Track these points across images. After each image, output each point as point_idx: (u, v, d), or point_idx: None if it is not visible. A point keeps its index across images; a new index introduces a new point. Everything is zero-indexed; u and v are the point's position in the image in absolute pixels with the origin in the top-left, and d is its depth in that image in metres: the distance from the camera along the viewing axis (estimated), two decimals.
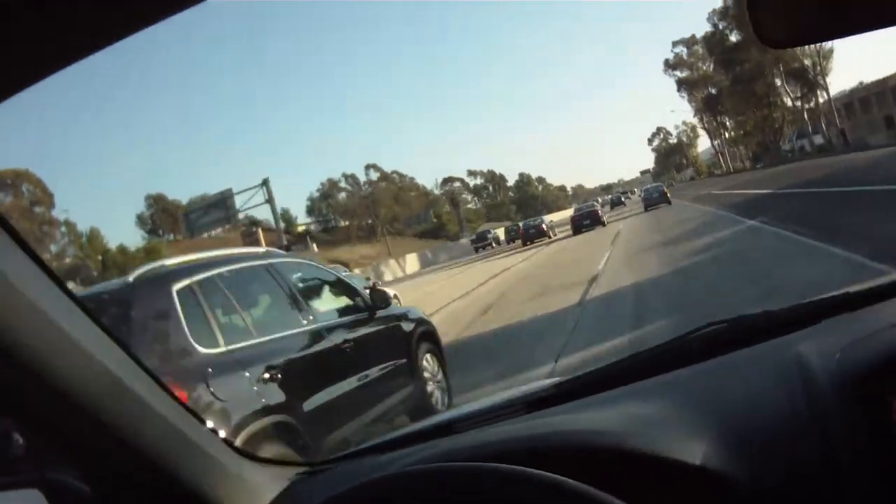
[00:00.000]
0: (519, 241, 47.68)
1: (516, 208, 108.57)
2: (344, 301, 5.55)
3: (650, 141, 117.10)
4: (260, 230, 37.01)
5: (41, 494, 1.09)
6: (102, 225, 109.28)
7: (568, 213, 71.32)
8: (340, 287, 5.74)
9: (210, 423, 3.45)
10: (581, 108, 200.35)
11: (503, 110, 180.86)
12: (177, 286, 3.99)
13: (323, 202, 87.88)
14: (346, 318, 5.31)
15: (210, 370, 3.75)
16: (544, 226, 45.49)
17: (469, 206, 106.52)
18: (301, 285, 5.14)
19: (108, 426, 0.92)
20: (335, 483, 1.11)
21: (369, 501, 0.89)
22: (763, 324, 1.31)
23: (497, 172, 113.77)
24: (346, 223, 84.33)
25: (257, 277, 4.76)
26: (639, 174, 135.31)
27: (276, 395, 4.03)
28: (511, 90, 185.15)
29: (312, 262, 5.88)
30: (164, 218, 73.63)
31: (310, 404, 4.30)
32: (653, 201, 43.56)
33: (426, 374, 6.03)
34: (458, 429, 1.34)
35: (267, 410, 3.92)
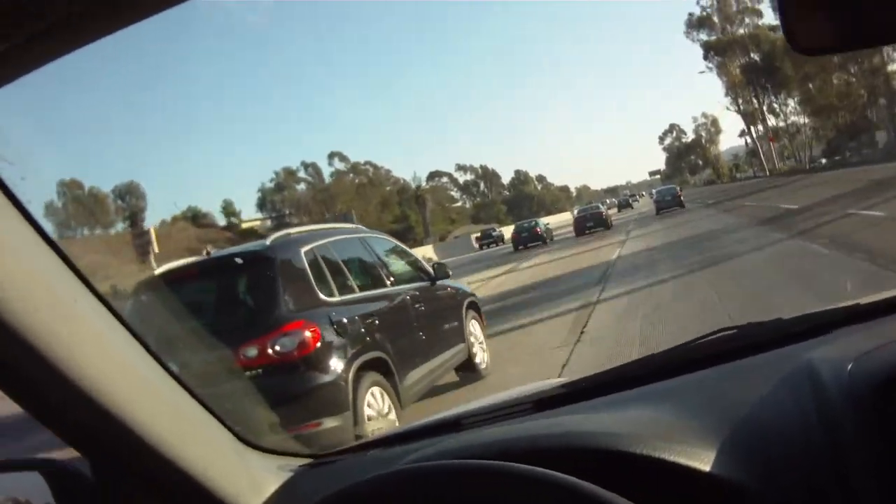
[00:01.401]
0: (502, 247, 43.07)
1: (507, 209, 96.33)
2: (414, 270, 6.80)
3: (662, 139, 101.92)
4: (153, 232, 31.30)
5: (41, 477, 1.07)
6: None
7: (566, 216, 64.69)
8: (411, 259, 6.99)
9: (333, 358, 4.67)
10: (588, 102, 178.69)
11: (501, 101, 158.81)
12: (304, 249, 5.20)
13: (277, 195, 75.98)
14: (416, 284, 6.56)
15: (332, 312, 4.97)
16: (539, 229, 38.85)
17: (456, 204, 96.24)
18: (384, 255, 6.36)
19: (111, 411, 0.91)
20: (339, 476, 1.11)
21: (373, 497, 0.88)
22: (773, 331, 1.31)
23: (490, 168, 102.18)
24: (299, 221, 68.70)
25: (355, 247, 6.00)
26: (647, 176, 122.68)
27: (375, 336, 5.26)
28: (510, 78, 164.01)
29: (391, 239, 7.11)
30: (77, 209, 62.02)
31: (396, 346, 5.51)
32: (665, 204, 40.53)
33: (472, 337, 7.26)
34: (465, 426, 1.34)
35: (370, 346, 5.14)
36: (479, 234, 59.09)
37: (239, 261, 5.26)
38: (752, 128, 66.21)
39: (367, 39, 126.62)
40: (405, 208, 78.78)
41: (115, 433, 0.93)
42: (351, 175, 79.64)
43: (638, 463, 0.96)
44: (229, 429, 1.18)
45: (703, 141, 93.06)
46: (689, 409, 1.08)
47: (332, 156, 78.60)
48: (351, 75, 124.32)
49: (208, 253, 5.51)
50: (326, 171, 78.56)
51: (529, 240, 37.85)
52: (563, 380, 1.47)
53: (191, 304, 5.22)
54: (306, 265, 5.10)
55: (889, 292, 1.32)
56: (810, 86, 52.59)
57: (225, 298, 5.21)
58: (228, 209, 70.17)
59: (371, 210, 71.16)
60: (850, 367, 0.97)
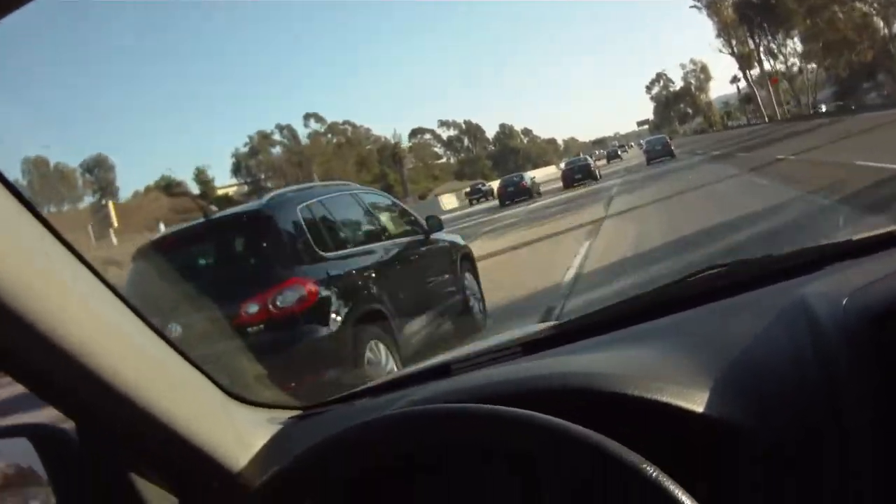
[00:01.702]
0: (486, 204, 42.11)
1: (493, 164, 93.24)
2: (408, 224, 6.91)
3: (649, 89, 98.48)
4: (111, 206, 29.89)
5: (29, 443, 1.05)
6: None
7: (553, 170, 63.46)
8: (404, 213, 7.10)
9: (333, 312, 4.80)
10: (573, 51, 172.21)
11: (484, 53, 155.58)
12: (299, 206, 5.29)
13: (252, 159, 72.72)
14: (410, 238, 6.67)
15: (329, 267, 5.08)
16: (525, 182, 37.59)
17: (441, 160, 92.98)
18: (378, 210, 6.46)
19: (95, 371, 0.89)
20: (329, 426, 1.10)
21: (361, 443, 0.88)
22: (765, 268, 1.30)
23: (474, 123, 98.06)
24: (275, 185, 63.53)
25: (348, 203, 6.09)
26: (636, 126, 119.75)
27: (372, 290, 5.39)
28: (492, 30, 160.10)
29: (383, 194, 7.20)
30: (44, 186, 57.99)
31: (393, 299, 5.64)
32: (655, 154, 39.33)
33: (467, 289, 7.39)
34: (454, 371, 1.33)
35: (368, 299, 5.27)
36: (468, 190, 57.94)
37: (237, 221, 5.36)
38: (747, 72, 60.85)
39: None
40: (384, 167, 76.50)
41: (100, 393, 0.91)
42: (330, 135, 77.06)
43: (629, 404, 0.94)
44: (216, 384, 1.15)
45: (693, 89, 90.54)
46: (681, 349, 1.07)
47: (307, 117, 75.58)
48: (327, 31, 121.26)
49: (207, 215, 5.59)
50: (303, 133, 75.68)
51: (516, 194, 36.61)
52: (552, 322, 1.46)
53: (192, 266, 5.33)
54: (302, 222, 5.20)
55: (880, 229, 1.32)
56: (818, 20, 46.56)
57: (224, 258, 5.32)
58: (201, 176, 66.56)
59: (349, 170, 68.49)
60: (845, 301, 0.95)
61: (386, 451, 0.88)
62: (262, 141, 72.53)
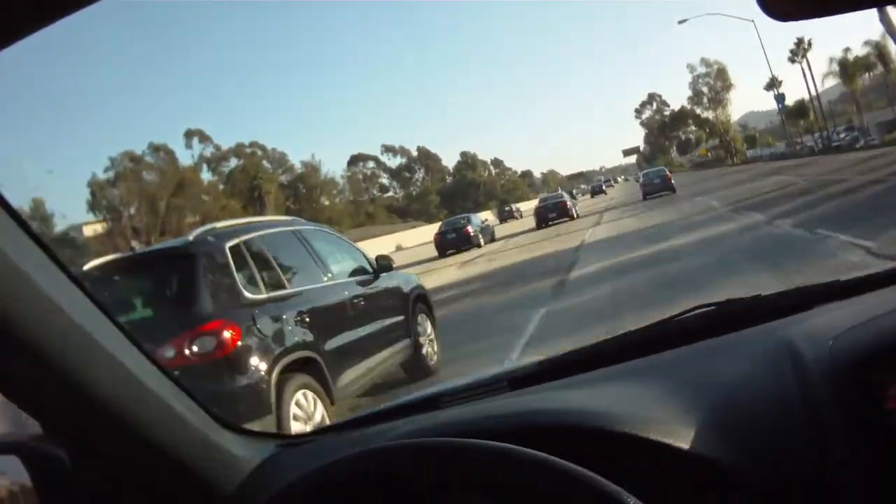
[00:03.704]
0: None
1: (441, 200, 76.52)
2: (355, 264, 6.56)
3: (639, 112, 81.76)
4: None
5: (20, 461, 1.06)
6: None
7: (526, 205, 57.16)
8: (352, 252, 6.74)
9: (255, 359, 4.44)
10: (552, 74, 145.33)
11: (448, 75, 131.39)
12: (229, 244, 4.95)
13: (112, 189, 51.36)
14: (357, 278, 6.32)
15: (256, 311, 4.73)
16: (470, 229, 30.71)
17: (388, 194, 76.67)
18: (322, 249, 6.11)
19: (87, 393, 0.91)
20: (316, 456, 1.11)
21: (350, 475, 0.88)
22: (752, 308, 1.30)
23: (427, 150, 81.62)
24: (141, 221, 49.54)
25: (288, 240, 5.74)
26: (622, 157, 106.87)
27: (305, 335, 5.02)
28: (459, 47, 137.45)
29: (330, 230, 6.86)
30: None
31: (330, 345, 5.29)
32: (654, 188, 34.77)
33: (419, 331, 7.04)
34: (443, 404, 1.33)
35: (298, 346, 4.91)
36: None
37: (160, 258, 5.01)
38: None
39: None
40: (292, 202, 61.65)
41: (90, 416, 0.93)
42: (235, 160, 62.02)
43: (616, 441, 0.94)
44: (206, 410, 1.16)
45: (705, 102, 66.31)
46: (668, 387, 1.07)
47: (189, 135, 58.68)
48: (227, 27, 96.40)
49: (132, 249, 5.26)
50: (189, 155, 59.35)
51: (457, 242, 30.03)
52: (539, 358, 1.43)
53: (112, 303, 4.96)
54: (230, 261, 4.85)
55: (867, 271, 1.33)
56: None
57: (145, 297, 4.95)
58: (38, 210, 44.90)
59: (232, 206, 52.72)
60: (830, 343, 0.96)
61: (382, 481, 0.87)
62: (126, 166, 52.49)
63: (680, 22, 45.04)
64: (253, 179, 58.78)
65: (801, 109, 47.48)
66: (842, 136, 42.54)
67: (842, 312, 1.14)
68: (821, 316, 1.16)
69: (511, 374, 1.37)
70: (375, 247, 31.66)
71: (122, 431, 0.96)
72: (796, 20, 0.73)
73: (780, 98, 45.53)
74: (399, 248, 43.34)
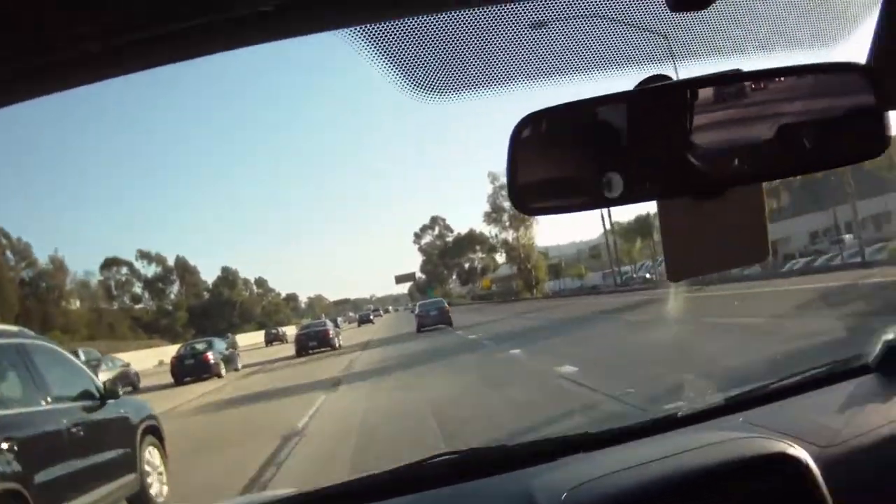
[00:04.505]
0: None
1: (189, 318, 68.97)
2: (80, 387, 5.97)
3: (419, 237, 71.94)
4: None
5: None
6: None
7: (287, 330, 54.42)
8: (78, 374, 6.15)
9: None
10: (322, 195, 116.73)
11: (211, 181, 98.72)
12: None
13: None
14: (79, 404, 5.75)
15: None
16: (210, 356, 26.86)
17: (139, 305, 67.53)
18: (44, 368, 5.52)
19: None
20: None
21: None
22: (496, 458, 1.35)
23: (185, 260, 71.68)
24: None
25: (7, 355, 5.13)
26: (395, 285, 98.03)
27: (12, 465, 4.43)
28: (223, 160, 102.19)
29: (58, 348, 6.23)
30: None
31: (40, 478, 4.70)
32: (430, 320, 31.42)
33: (147, 465, 6.49)
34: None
35: (2, 477, 4.30)
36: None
37: None
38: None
39: None
40: (32, 300, 52.59)
41: None
42: None
43: None
44: None
45: (506, 216, 56.73)
46: None
47: None
48: None
49: None
50: None
51: (196, 370, 26.33)
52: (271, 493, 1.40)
53: None
54: None
55: (617, 425, 1.40)
56: None
57: None
58: None
59: None
60: (563, 496, 1.01)
61: None
62: None
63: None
64: None
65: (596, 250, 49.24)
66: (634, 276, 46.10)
67: (583, 465, 1.21)
68: (566, 466, 1.22)
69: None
70: (137, 359, 31.26)
71: None
72: (544, 215, 0.98)
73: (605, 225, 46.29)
74: (162, 364, 37.11)
